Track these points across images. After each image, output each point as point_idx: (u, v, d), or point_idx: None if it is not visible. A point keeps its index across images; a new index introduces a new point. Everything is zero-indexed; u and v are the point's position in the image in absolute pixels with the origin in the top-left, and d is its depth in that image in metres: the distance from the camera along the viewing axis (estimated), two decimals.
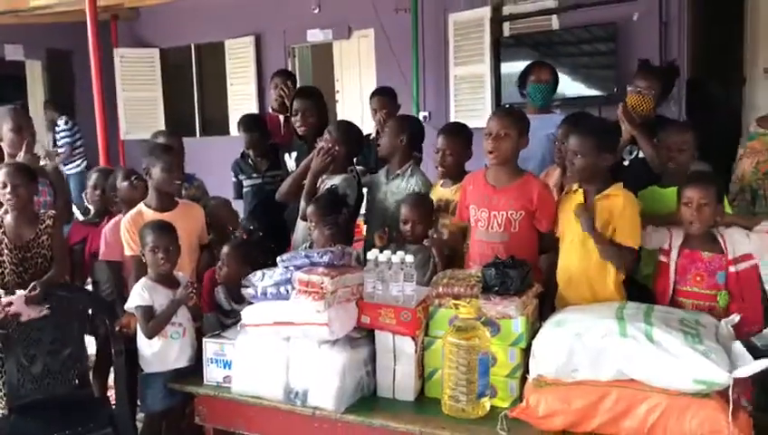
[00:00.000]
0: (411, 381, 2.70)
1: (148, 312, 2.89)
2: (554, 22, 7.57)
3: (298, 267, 2.68)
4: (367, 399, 2.71)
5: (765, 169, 3.14)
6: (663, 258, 2.85)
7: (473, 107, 7.82)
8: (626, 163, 3.53)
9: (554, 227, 2.97)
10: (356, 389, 2.67)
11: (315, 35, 8.96)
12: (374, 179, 3.75)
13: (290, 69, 9.19)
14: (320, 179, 3.52)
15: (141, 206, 3.32)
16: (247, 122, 4.51)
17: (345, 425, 2.61)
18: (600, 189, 2.82)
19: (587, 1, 7.16)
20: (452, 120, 7.82)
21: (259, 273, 2.77)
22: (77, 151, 8.94)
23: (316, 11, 8.80)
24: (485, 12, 7.76)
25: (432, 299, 2.73)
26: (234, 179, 4.46)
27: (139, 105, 10.09)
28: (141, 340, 2.92)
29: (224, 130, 9.48)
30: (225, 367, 2.83)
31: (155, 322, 2.88)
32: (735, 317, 2.53)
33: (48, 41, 9.76)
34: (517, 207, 2.93)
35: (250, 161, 4.40)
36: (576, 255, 2.85)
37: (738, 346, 2.37)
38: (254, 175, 4.35)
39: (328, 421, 2.63)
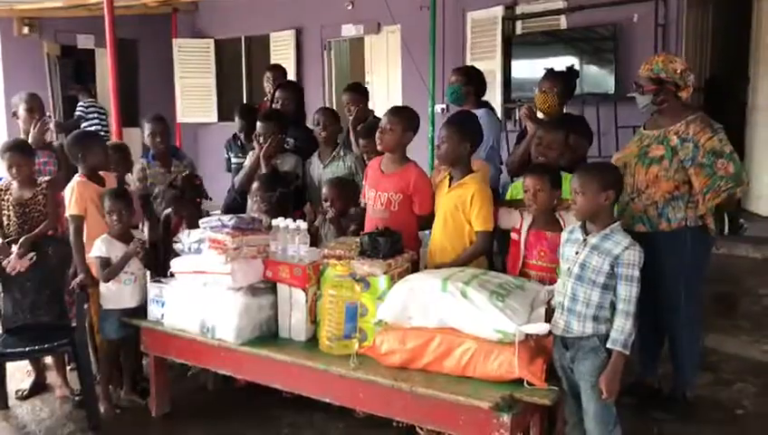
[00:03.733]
0: (303, 325, 3.32)
1: (104, 262, 3.64)
2: (563, 21, 7.95)
3: (212, 228, 3.36)
4: (269, 337, 3.36)
5: (619, 163, 3.51)
6: (514, 236, 3.37)
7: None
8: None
9: (428, 210, 3.53)
10: (255, 328, 3.32)
11: (349, 30, 9.65)
12: (309, 164, 4.40)
13: (326, 61, 9.95)
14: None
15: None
16: (241, 111, 5.22)
17: (241, 354, 3.28)
18: (461, 175, 3.38)
19: (592, 2, 7.51)
20: None
21: (186, 231, 3.48)
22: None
23: (350, 7, 9.49)
24: (500, 11, 8.23)
25: (322, 260, 3.35)
26: (225, 156, 5.17)
27: (195, 91, 11.04)
28: (101, 283, 3.69)
29: None
30: (162, 306, 3.55)
31: (109, 270, 3.63)
32: (553, 286, 3.03)
33: (117, 31, 10.79)
34: (396, 190, 3.52)
35: (239, 143, 5.09)
36: (440, 228, 3.44)
37: (539, 311, 2.88)
38: (240, 155, 5.03)
39: (228, 351, 3.31)
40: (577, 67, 7.82)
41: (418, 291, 2.97)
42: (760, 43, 7.37)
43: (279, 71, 5.79)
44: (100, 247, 3.63)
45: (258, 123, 4.38)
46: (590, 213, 2.74)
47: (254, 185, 4.01)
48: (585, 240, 2.74)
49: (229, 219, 3.34)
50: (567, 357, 2.77)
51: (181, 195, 3.98)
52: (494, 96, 8.23)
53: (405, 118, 3.61)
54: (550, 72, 4.32)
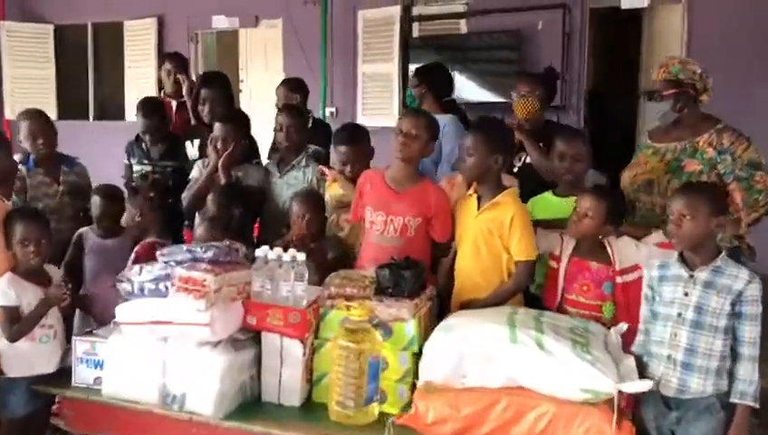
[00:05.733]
0: (298, 385, 2.57)
1: (13, 313, 2.63)
2: (463, 25, 7.62)
3: (179, 263, 2.50)
4: (250, 404, 2.56)
5: (640, 181, 3.19)
6: (553, 264, 2.84)
7: (380, 106, 7.77)
8: (515, 169, 3.54)
9: (449, 236, 2.94)
10: (238, 393, 2.52)
11: (220, 22, 8.65)
12: (265, 172, 3.64)
13: (192, 55, 8.89)
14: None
15: None
16: (147, 106, 4.26)
17: (224, 431, 2.45)
18: (491, 194, 2.79)
19: (494, 7, 7.23)
20: (359, 118, 7.75)
21: (136, 267, 2.57)
22: None
23: None
24: (396, 11, 7.71)
25: (323, 300, 2.62)
26: (125, 162, 4.20)
27: (28, 84, 9.44)
28: (2, 342, 2.65)
29: (119, 115, 9.07)
30: (96, 367, 2.61)
31: (21, 325, 2.63)
32: (623, 326, 2.54)
33: None
34: (414, 213, 2.89)
35: (143, 146, 4.14)
36: (470, 257, 2.82)
37: (629, 361, 2.38)
38: (145, 161, 4.10)
39: (206, 427, 2.45)
40: (472, 75, 7.67)
41: (477, 342, 2.34)
42: (653, 60, 7.47)
43: (179, 61, 4.84)
44: (5, 292, 2.60)
45: (216, 125, 3.54)
46: (698, 241, 2.27)
47: (208, 200, 3.16)
48: (692, 276, 2.26)
49: (204, 250, 2.49)
50: (671, 418, 2.28)
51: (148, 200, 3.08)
52: (391, 102, 7.76)
53: (431, 124, 2.99)
54: (527, 75, 3.91)
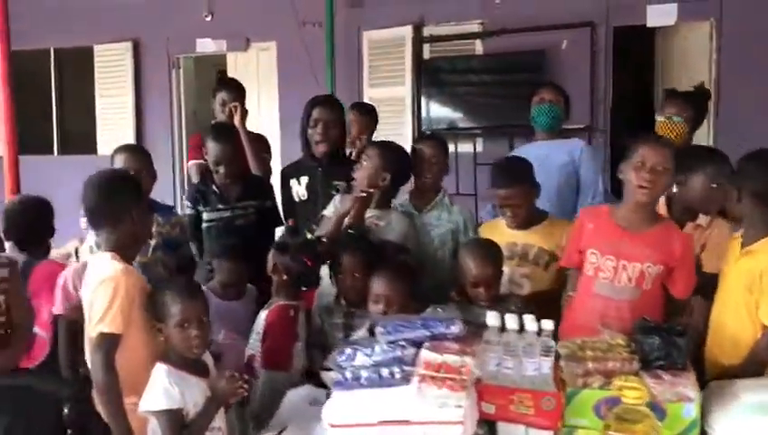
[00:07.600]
0: None
1: (177, 418, 1.97)
2: (478, 46, 7.23)
3: (414, 343, 1.91)
4: None
5: None
6: None
7: (392, 132, 7.21)
8: None
9: (690, 293, 2.49)
10: None
11: (206, 45, 7.98)
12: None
13: (174, 82, 8.17)
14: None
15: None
16: (220, 130, 3.61)
17: None
18: (753, 238, 2.33)
19: (513, 26, 6.88)
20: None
21: (349, 349, 1.96)
22: None
23: (208, 18, 7.86)
24: (405, 31, 7.26)
25: (575, 378, 2.08)
26: (190, 211, 3.49)
27: None
28: None
29: (90, 149, 8.20)
30: None
31: (190, 433, 1.96)
32: None
33: None
34: (655, 260, 2.41)
35: (215, 188, 3.46)
36: (731, 312, 2.35)
37: None
38: (221, 206, 3.41)
39: None
40: (490, 99, 7.27)
41: None
42: (670, 78, 7.31)
43: (236, 89, 4.23)
44: (168, 391, 1.94)
45: (366, 153, 2.98)
46: None
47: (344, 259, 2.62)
48: None
49: (446, 324, 1.92)
50: None
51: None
52: (404, 127, 7.26)
53: (674, 153, 2.49)
54: (676, 94, 3.53)
